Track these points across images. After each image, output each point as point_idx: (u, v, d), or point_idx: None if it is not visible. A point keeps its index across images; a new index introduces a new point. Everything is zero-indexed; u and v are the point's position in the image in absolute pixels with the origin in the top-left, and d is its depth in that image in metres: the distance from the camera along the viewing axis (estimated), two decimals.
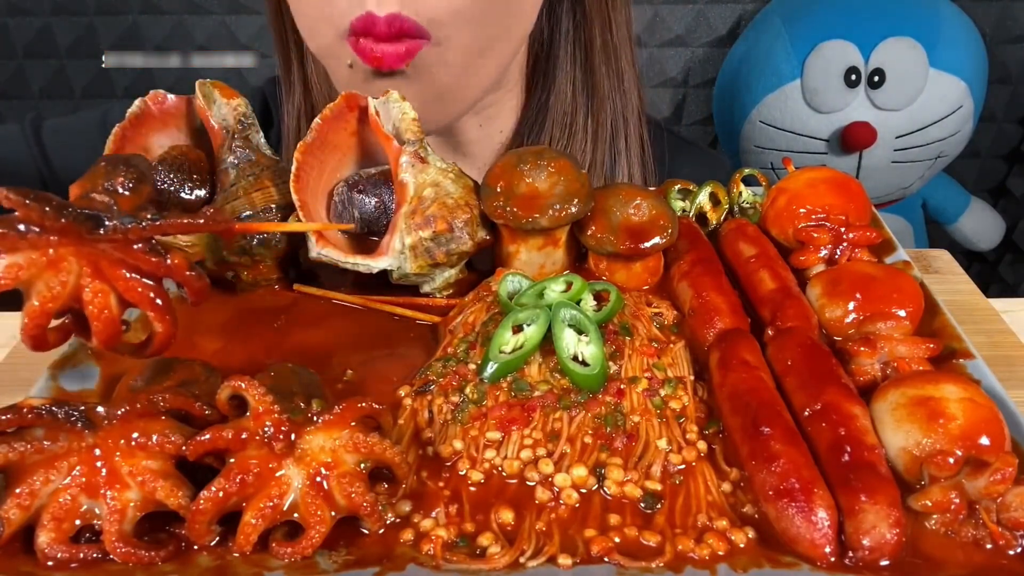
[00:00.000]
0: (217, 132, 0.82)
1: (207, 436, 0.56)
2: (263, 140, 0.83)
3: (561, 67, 1.09)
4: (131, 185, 0.60)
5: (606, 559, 0.56)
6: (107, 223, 0.57)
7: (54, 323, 0.59)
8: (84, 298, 0.58)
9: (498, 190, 0.79)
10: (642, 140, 1.15)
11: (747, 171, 0.95)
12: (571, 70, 1.09)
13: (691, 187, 0.93)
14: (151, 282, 0.60)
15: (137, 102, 0.81)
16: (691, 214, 0.92)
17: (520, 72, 1.11)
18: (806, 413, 0.63)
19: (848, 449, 0.59)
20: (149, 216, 0.58)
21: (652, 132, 1.18)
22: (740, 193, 0.94)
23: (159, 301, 0.60)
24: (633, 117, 1.13)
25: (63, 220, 0.55)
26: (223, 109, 0.82)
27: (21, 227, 0.55)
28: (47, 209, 0.55)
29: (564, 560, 0.55)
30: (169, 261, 0.59)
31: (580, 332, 0.70)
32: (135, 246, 0.58)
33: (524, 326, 0.71)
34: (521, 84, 1.13)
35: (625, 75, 1.11)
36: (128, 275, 0.59)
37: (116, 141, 0.80)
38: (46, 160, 1.13)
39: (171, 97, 0.83)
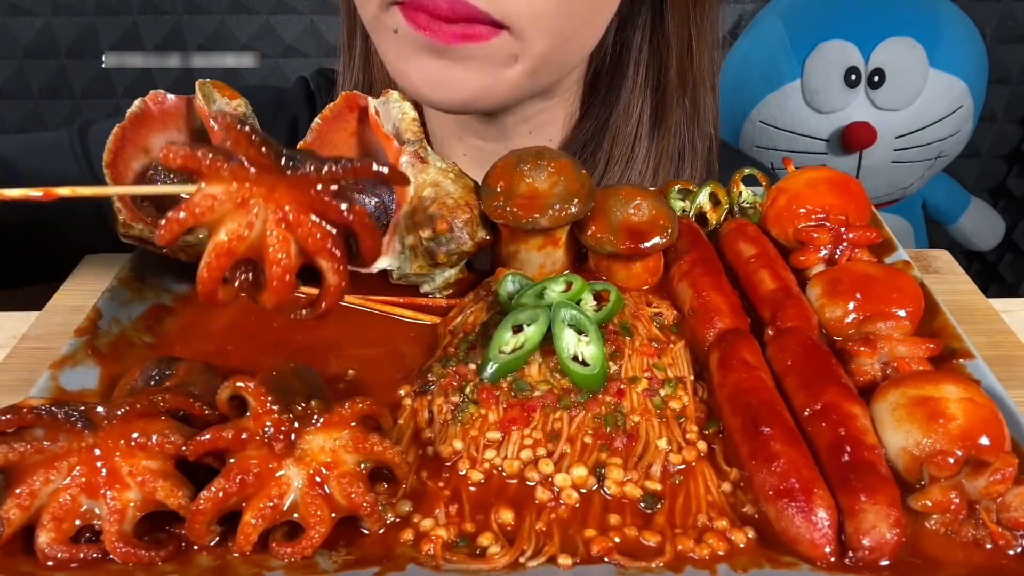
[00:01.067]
0: (217, 132, 0.81)
1: (207, 436, 0.56)
2: None
3: (628, 88, 1.04)
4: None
5: (606, 559, 0.56)
6: (306, 162, 0.56)
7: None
8: (266, 243, 0.57)
9: (498, 190, 0.79)
10: (711, 168, 1.10)
11: (747, 171, 0.95)
12: (640, 94, 1.04)
13: (691, 187, 0.93)
14: (333, 230, 0.58)
15: (137, 102, 0.81)
16: (691, 214, 0.92)
17: (577, 83, 1.07)
18: (806, 413, 0.63)
19: (848, 449, 0.59)
20: (342, 159, 0.57)
21: (719, 152, 1.13)
22: (740, 193, 0.94)
23: (336, 252, 0.58)
24: (703, 146, 1.08)
25: (266, 152, 0.55)
26: (223, 109, 0.82)
27: (229, 156, 0.54)
28: (254, 138, 0.54)
29: (564, 560, 0.55)
30: (349, 208, 0.58)
31: (580, 332, 0.70)
32: (322, 190, 0.57)
33: (524, 326, 0.71)
34: (577, 95, 1.08)
35: (700, 105, 1.06)
36: (312, 220, 0.57)
37: (116, 141, 0.79)
38: (91, 169, 1.09)
39: (171, 97, 0.83)
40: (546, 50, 0.87)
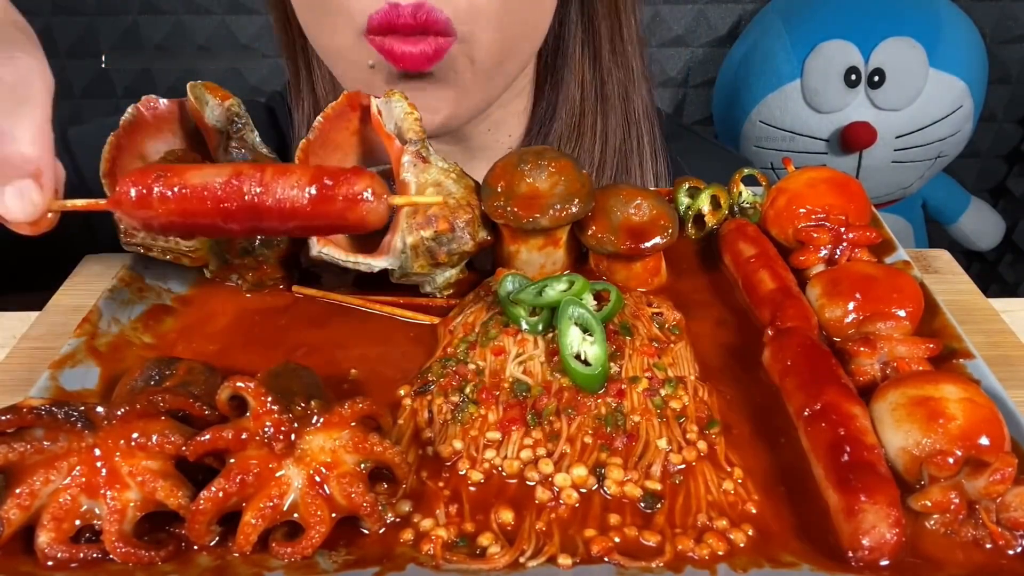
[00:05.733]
0: (212, 133, 0.81)
1: (207, 436, 0.56)
2: (259, 139, 0.83)
3: (570, 69, 1.07)
4: None
5: (606, 559, 0.56)
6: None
7: None
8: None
9: (499, 190, 0.79)
10: (655, 140, 1.13)
11: (747, 171, 0.95)
12: (580, 72, 1.07)
13: (701, 185, 0.93)
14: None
15: (129, 109, 0.80)
16: (691, 215, 0.92)
17: (529, 75, 1.10)
18: (806, 413, 0.63)
19: (848, 449, 0.59)
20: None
21: (668, 130, 1.16)
22: (740, 193, 0.94)
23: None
24: (645, 117, 1.11)
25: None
26: (216, 110, 0.81)
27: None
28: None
29: (564, 560, 0.55)
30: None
31: (585, 331, 0.70)
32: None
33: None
34: (529, 87, 1.11)
35: (635, 74, 1.09)
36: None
37: (111, 150, 0.78)
38: (75, 165, 1.10)
39: (163, 101, 0.82)
40: (495, 44, 0.89)
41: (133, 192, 0.64)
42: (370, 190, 0.66)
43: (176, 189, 0.64)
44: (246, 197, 0.63)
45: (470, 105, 0.95)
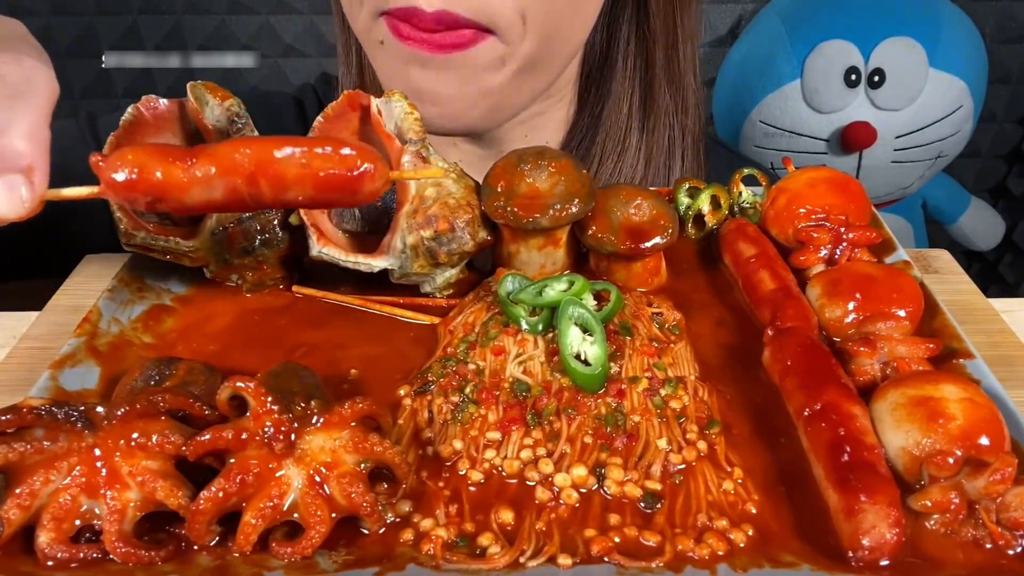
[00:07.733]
0: (212, 134, 0.81)
1: (207, 436, 0.56)
2: None
3: (618, 82, 1.06)
4: None
5: (606, 559, 0.56)
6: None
7: None
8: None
9: (499, 190, 0.79)
10: (699, 160, 1.12)
11: (747, 171, 0.95)
12: (629, 86, 1.06)
13: (701, 186, 0.93)
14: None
15: (130, 109, 0.80)
16: (691, 215, 0.92)
17: (572, 83, 1.08)
18: (806, 413, 0.63)
19: (848, 449, 0.59)
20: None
21: (709, 147, 1.15)
22: (740, 193, 0.94)
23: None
24: (691, 137, 1.10)
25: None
26: (216, 110, 0.81)
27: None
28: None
29: (564, 560, 0.55)
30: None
31: (586, 331, 0.70)
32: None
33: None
34: (572, 95, 1.10)
35: (687, 94, 1.08)
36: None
37: (111, 150, 0.79)
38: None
39: (163, 101, 0.82)
40: (533, 50, 0.88)
41: (122, 173, 0.61)
42: (373, 166, 0.65)
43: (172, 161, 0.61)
44: (242, 161, 0.62)
45: (493, 110, 0.93)
